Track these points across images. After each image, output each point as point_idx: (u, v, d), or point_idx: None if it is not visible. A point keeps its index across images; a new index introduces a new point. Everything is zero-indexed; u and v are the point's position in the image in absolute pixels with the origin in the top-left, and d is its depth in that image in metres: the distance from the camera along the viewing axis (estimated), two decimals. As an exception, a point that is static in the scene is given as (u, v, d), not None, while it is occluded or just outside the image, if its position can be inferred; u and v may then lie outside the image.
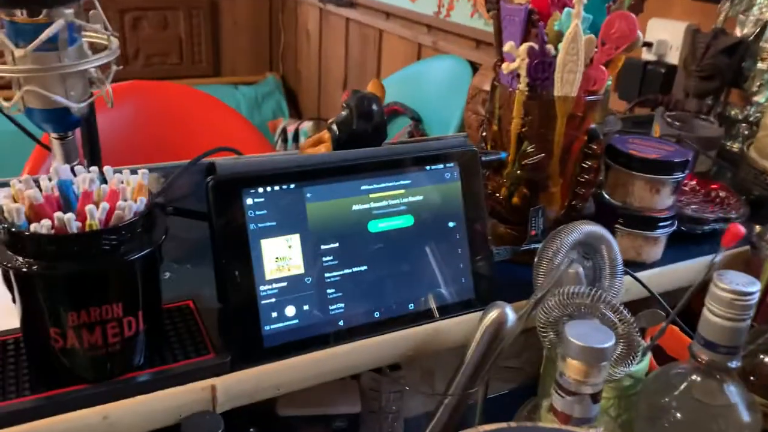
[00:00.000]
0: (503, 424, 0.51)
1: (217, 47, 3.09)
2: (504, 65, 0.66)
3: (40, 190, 0.46)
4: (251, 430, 0.65)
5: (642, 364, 0.63)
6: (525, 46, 0.64)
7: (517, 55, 0.65)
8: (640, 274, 0.70)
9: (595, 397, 0.53)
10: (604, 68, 0.64)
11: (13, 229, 0.44)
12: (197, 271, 0.66)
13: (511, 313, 0.57)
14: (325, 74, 2.87)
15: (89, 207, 0.44)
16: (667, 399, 0.58)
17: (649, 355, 0.65)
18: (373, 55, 2.45)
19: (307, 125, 2.49)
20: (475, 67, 1.85)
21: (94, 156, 0.64)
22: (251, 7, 3.12)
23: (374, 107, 0.66)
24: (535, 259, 0.63)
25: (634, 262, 0.72)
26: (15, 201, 0.45)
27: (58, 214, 0.43)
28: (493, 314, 0.57)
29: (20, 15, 0.52)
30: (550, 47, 0.64)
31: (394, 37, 2.30)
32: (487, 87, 0.95)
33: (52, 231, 0.44)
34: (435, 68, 1.95)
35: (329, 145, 0.67)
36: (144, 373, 0.50)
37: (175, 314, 0.57)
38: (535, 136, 0.67)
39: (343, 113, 0.66)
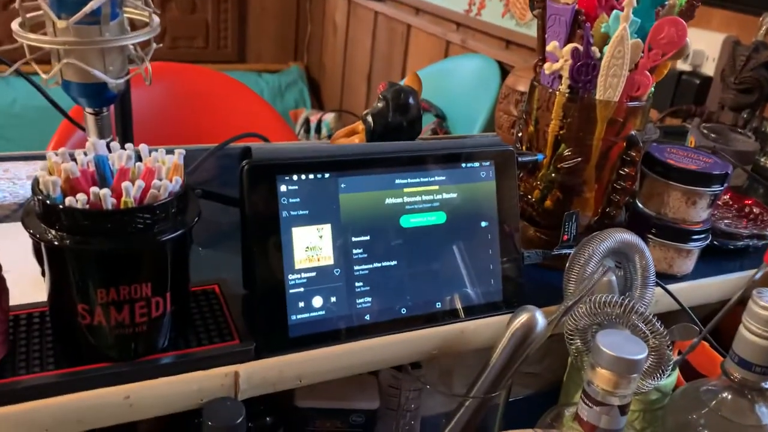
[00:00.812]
0: (529, 431, 0.50)
1: (243, 34, 3.09)
2: (546, 65, 0.65)
3: (77, 164, 0.46)
4: (268, 419, 0.65)
5: (670, 379, 0.62)
6: (569, 47, 0.62)
7: (561, 56, 0.63)
8: (670, 287, 0.68)
9: (623, 409, 0.51)
10: (649, 74, 0.63)
11: (48, 202, 0.43)
12: (222, 255, 0.66)
13: (540, 318, 0.56)
14: (350, 67, 2.86)
15: (125, 184, 0.43)
16: (694, 416, 0.57)
17: (677, 369, 0.64)
18: (400, 50, 2.43)
19: (329, 117, 2.49)
20: (503, 67, 1.84)
21: (126, 133, 0.64)
22: (280, -4, 3.12)
23: (411, 100, 0.65)
24: (567, 265, 0.61)
25: (664, 273, 0.71)
26: (51, 174, 0.45)
27: (93, 189, 0.43)
28: (522, 318, 0.56)
29: (64, -14, 0.51)
30: (594, 49, 0.62)
31: (422, 33, 2.28)
32: (521, 87, 0.94)
33: (87, 206, 0.43)
34: (463, 66, 1.94)
35: (363, 136, 0.66)
36: (168, 355, 0.50)
37: (200, 297, 0.56)
38: (572, 139, 0.66)
39: (379, 105, 0.65)
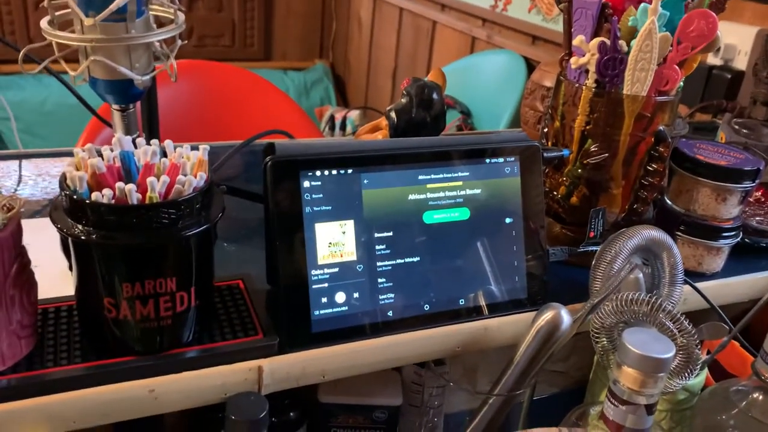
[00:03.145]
0: (554, 429, 0.49)
1: (269, 32, 3.10)
2: (572, 60, 0.64)
3: (103, 159, 0.46)
4: (292, 414, 0.65)
5: (699, 378, 0.61)
6: (596, 41, 0.61)
7: (587, 50, 0.62)
8: (699, 285, 0.67)
9: (650, 409, 0.50)
10: (677, 68, 0.62)
11: (75, 197, 0.44)
12: (245, 250, 0.66)
13: (566, 316, 0.55)
14: (375, 64, 2.86)
15: (150, 179, 0.44)
16: (724, 417, 0.56)
17: (706, 369, 0.62)
18: (425, 46, 2.42)
19: (354, 114, 2.49)
20: (529, 63, 1.82)
21: (152, 129, 0.64)
22: (305, -6, 3.13)
23: (435, 96, 0.65)
24: (593, 262, 0.61)
25: (693, 271, 0.69)
26: (78, 169, 0.46)
27: (119, 185, 0.43)
28: (547, 315, 0.55)
29: (91, -16, 0.52)
30: (622, 43, 0.61)
31: (447, 29, 2.27)
32: (547, 83, 0.93)
33: (113, 201, 0.44)
34: (489, 62, 1.92)
35: (386, 132, 0.66)
36: (192, 349, 0.50)
37: (225, 292, 0.57)
38: (599, 134, 0.65)
39: (403, 100, 0.65)
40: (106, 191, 0.43)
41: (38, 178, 0.82)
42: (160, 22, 0.59)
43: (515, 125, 1.74)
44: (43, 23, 0.54)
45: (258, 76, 1.35)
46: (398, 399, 0.66)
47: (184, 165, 0.47)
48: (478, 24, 2.12)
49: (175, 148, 0.49)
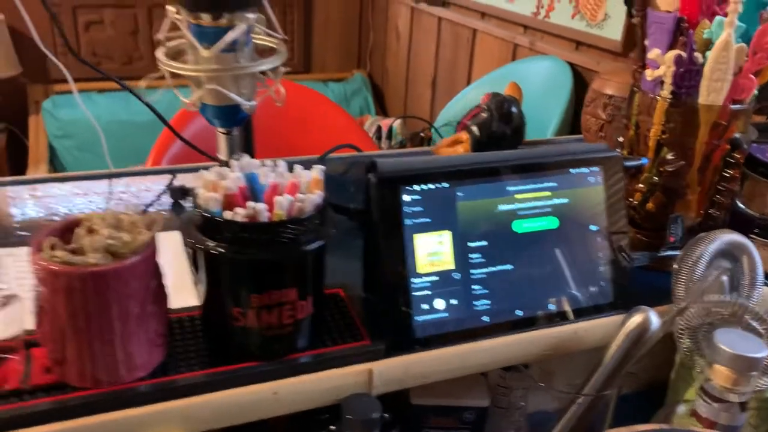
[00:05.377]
0: (656, 426, 0.52)
1: (309, 44, 3.17)
2: (648, 72, 0.66)
3: (226, 179, 0.50)
4: (385, 415, 0.68)
5: (784, 377, 0.63)
6: (672, 54, 0.64)
7: (663, 63, 0.65)
8: (776, 287, 0.69)
9: (743, 406, 0.53)
10: (753, 77, 0.64)
11: (209, 215, 0.48)
12: (337, 261, 0.70)
13: (655, 319, 0.58)
14: (414, 73, 2.90)
15: (279, 198, 0.48)
16: (811, 413, 0.58)
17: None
18: (466, 54, 2.45)
19: (397, 123, 2.53)
20: (575, 68, 1.83)
21: (249, 150, 0.69)
22: (342, 5, 3.18)
23: (513, 109, 0.68)
24: (675, 267, 0.63)
25: (768, 273, 0.71)
26: (209, 190, 0.50)
27: (251, 204, 0.47)
28: (637, 318, 0.58)
29: (204, 18, 0.56)
30: (697, 55, 0.64)
31: (488, 36, 2.30)
32: (609, 91, 0.96)
33: (245, 219, 0.48)
34: (533, 69, 1.94)
35: (467, 145, 0.69)
36: (308, 354, 0.54)
37: (329, 301, 0.60)
38: (675, 143, 0.67)
39: (483, 115, 0.68)
40: (240, 210, 0.47)
41: (123, 195, 0.87)
42: (258, 49, 0.63)
43: (564, 131, 1.76)
44: (159, 54, 0.59)
45: (316, 92, 1.40)
46: (486, 400, 0.69)
47: (300, 184, 0.51)
48: (520, 31, 2.14)
49: (289, 167, 0.53)
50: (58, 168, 2.69)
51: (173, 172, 0.95)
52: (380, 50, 3.19)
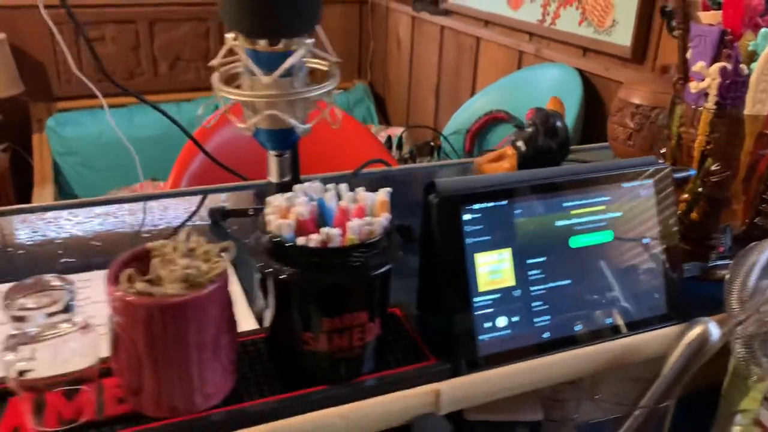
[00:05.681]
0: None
1: (310, 55, 3.17)
2: (692, 84, 0.67)
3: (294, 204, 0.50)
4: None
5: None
6: (717, 66, 0.65)
7: (708, 75, 0.66)
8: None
9: (810, 416, 0.53)
10: (797, 87, 0.64)
11: (281, 241, 0.48)
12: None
13: (714, 330, 0.58)
14: (416, 82, 2.91)
15: (351, 223, 0.48)
16: None
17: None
18: (470, 62, 2.46)
19: (400, 132, 2.54)
20: (583, 75, 1.85)
21: (294, 171, 0.69)
22: (342, 15, 3.19)
23: (558, 124, 0.69)
24: (728, 276, 0.63)
25: (813, 280, 0.72)
26: (276, 215, 0.50)
27: (324, 229, 0.48)
28: (697, 330, 0.58)
29: (261, 44, 0.57)
30: (742, 67, 0.64)
31: (493, 44, 2.31)
32: (636, 100, 0.96)
33: (319, 244, 0.48)
34: (541, 76, 1.96)
35: (513, 160, 0.69)
36: (376, 376, 0.54)
37: (389, 321, 0.60)
38: (720, 153, 0.68)
39: (529, 130, 0.69)
40: (315, 236, 0.48)
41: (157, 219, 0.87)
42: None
43: (576, 137, 1.77)
44: (215, 81, 0.59)
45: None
46: (539, 414, 0.69)
47: (366, 207, 0.52)
48: (525, 38, 2.16)
49: (352, 191, 0.53)
50: (63, 186, 2.68)
51: (205, 193, 0.95)
52: (381, 60, 3.21)
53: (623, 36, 1.73)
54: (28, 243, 0.76)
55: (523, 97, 1.98)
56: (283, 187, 0.64)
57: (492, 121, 2.03)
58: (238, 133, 1.41)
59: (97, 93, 0.91)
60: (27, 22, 2.65)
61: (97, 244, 0.76)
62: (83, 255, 0.73)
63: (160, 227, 0.83)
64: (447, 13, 2.59)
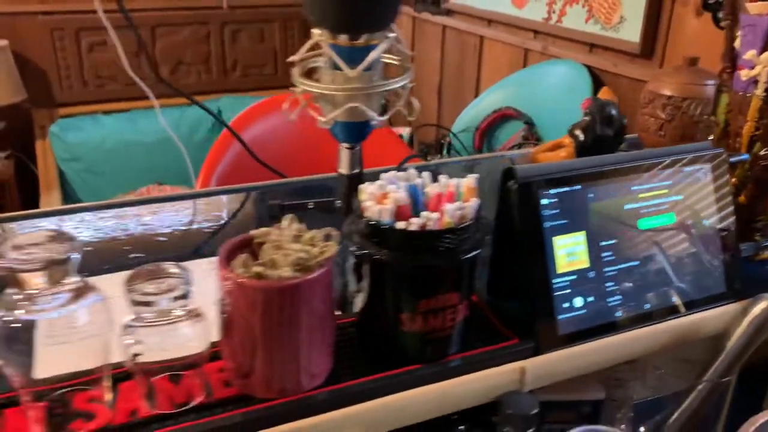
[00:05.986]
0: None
1: (310, 57, 3.19)
2: (743, 72, 0.70)
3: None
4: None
5: None
6: (767, 54, 0.68)
7: (758, 63, 0.69)
8: None
9: None
10: (844, 73, 0.68)
11: (378, 225, 0.50)
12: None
13: (778, 305, 0.61)
14: (418, 81, 2.93)
15: (447, 206, 0.50)
16: None
17: None
18: (473, 61, 2.49)
19: (405, 131, 2.56)
20: (591, 71, 1.88)
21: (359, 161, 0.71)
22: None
23: (614, 112, 0.71)
24: (783, 254, 0.66)
25: None
26: (373, 201, 0.52)
27: (425, 213, 0.50)
28: (761, 305, 0.61)
29: (342, 39, 0.59)
30: (792, 54, 0.67)
31: (497, 43, 2.34)
32: (666, 92, 0.99)
33: (418, 228, 0.50)
34: (549, 72, 1.99)
35: (571, 149, 0.72)
36: (464, 355, 0.56)
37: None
38: (769, 138, 0.71)
39: (586, 119, 0.71)
40: (415, 220, 0.50)
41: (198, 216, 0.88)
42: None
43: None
44: (295, 76, 0.61)
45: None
46: (601, 393, 0.71)
47: (455, 193, 0.54)
48: (530, 36, 2.19)
49: (444, 177, 0.55)
50: (68, 192, 2.67)
51: (249, 191, 0.97)
52: (381, 60, 3.23)
53: (631, 32, 1.76)
54: (94, 240, 0.77)
55: (531, 93, 2.01)
56: (353, 179, 0.66)
57: (501, 118, 2.06)
58: (260, 134, 1.42)
59: (151, 95, 0.92)
60: (28, 29, 2.65)
61: (163, 240, 0.77)
62: (151, 251, 0.74)
63: (220, 222, 0.84)
64: (449, 13, 2.62)
